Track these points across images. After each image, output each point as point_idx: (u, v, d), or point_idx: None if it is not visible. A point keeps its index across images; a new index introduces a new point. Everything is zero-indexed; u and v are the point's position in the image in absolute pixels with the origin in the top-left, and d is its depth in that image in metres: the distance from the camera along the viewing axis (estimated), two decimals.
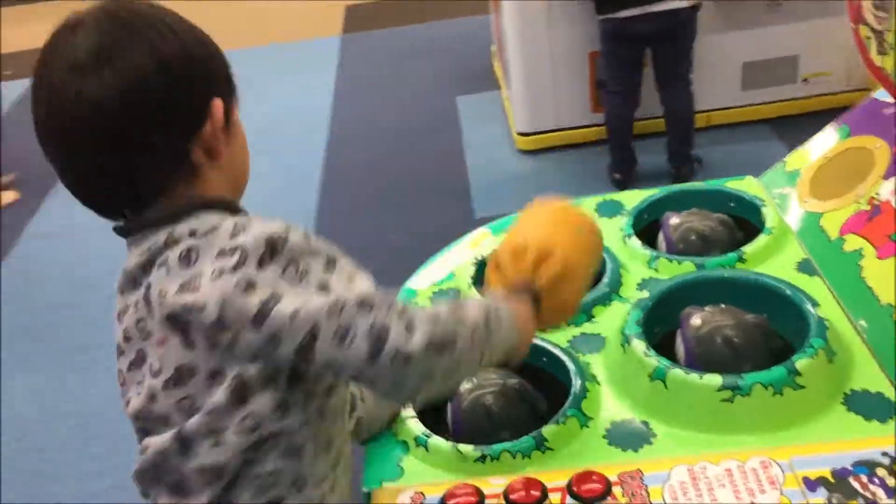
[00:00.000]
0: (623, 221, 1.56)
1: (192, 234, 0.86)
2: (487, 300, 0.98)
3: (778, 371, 1.12)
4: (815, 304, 1.24)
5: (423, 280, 1.52)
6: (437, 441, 1.14)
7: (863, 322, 1.26)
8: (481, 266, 1.50)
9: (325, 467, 0.94)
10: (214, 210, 0.90)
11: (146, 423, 0.90)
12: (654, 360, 1.17)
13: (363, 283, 0.86)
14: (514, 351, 0.98)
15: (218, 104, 0.91)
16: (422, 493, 1.07)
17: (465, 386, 1.21)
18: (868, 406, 1.13)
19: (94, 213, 0.92)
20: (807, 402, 1.12)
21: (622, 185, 3.30)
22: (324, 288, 0.83)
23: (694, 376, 1.14)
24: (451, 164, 3.67)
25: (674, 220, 1.52)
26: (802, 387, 1.12)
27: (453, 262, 1.55)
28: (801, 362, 1.13)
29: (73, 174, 0.89)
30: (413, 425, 1.18)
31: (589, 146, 3.55)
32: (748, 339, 1.20)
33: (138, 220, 0.90)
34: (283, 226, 0.85)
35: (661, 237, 1.53)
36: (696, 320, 1.23)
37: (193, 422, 0.86)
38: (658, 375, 1.16)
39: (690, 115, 3.25)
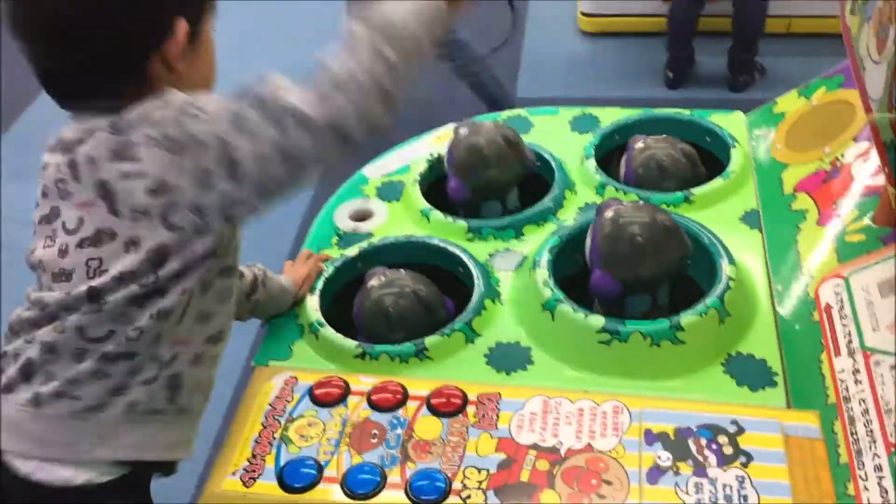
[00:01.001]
0: (588, 140, 1.54)
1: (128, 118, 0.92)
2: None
3: (661, 323, 1.13)
4: (730, 260, 1.22)
5: (377, 170, 1.54)
6: (327, 331, 1.21)
7: (779, 286, 1.24)
8: (435, 163, 1.51)
9: (193, 335, 1.01)
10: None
11: (46, 273, 0.98)
12: (549, 291, 1.19)
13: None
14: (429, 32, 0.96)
15: (182, 25, 0.94)
16: (296, 377, 1.15)
17: (373, 283, 1.26)
18: (746, 372, 1.13)
19: (56, 101, 0.97)
20: (684, 358, 1.14)
21: (674, 85, 3.18)
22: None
23: (580, 314, 1.16)
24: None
25: (639, 144, 1.49)
26: (683, 342, 1.13)
27: (412, 154, 1.57)
28: (686, 319, 1.13)
29: (41, 63, 0.94)
30: (311, 312, 1.24)
31: (652, 37, 3.39)
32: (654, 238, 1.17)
33: (87, 104, 0.95)
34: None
35: (623, 159, 1.51)
36: (609, 213, 1.20)
37: (100, 281, 0.93)
38: (548, 306, 1.18)
39: (761, 17, 3.06)
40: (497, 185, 1.42)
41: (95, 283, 0.93)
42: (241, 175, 0.89)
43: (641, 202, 1.24)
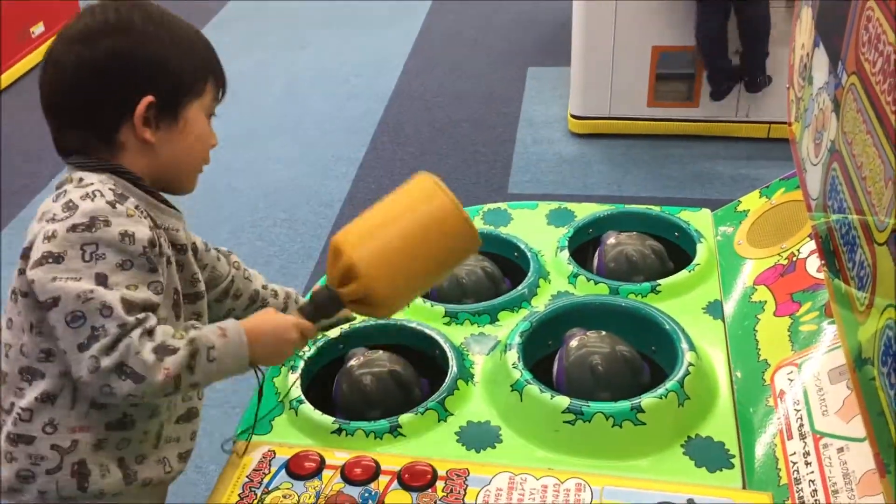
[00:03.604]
0: (563, 233, 1.63)
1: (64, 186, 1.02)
2: (205, 341, 0.99)
3: (622, 405, 1.19)
4: (691, 347, 1.29)
5: None
6: (306, 408, 1.26)
7: (738, 373, 1.31)
8: None
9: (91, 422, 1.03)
10: (107, 173, 1.03)
11: None
12: (518, 373, 1.26)
13: (132, 293, 0.96)
14: (244, 364, 1.03)
15: (144, 101, 1.02)
16: (273, 451, 1.20)
17: (353, 363, 1.33)
18: (704, 453, 1.19)
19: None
20: (645, 439, 1.19)
21: (718, 98, 3.36)
22: (99, 278, 0.95)
23: (545, 395, 1.22)
24: (501, 135, 3.73)
25: (611, 239, 1.58)
26: (643, 423, 1.19)
27: None
28: (647, 401, 1.19)
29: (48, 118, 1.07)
30: (293, 389, 1.30)
31: (640, 139, 3.54)
32: (614, 368, 1.27)
33: (73, 159, 1.06)
34: (109, 212, 0.97)
35: (597, 253, 1.59)
36: (573, 342, 1.30)
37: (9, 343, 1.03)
38: (517, 387, 1.25)
39: (766, 16, 3.19)
40: None
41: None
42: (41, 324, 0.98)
43: (604, 332, 1.33)
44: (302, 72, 4.38)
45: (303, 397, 1.28)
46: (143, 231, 0.98)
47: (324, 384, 1.35)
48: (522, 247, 1.59)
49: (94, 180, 1.01)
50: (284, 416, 1.28)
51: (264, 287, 1.27)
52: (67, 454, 1.01)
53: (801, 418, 1.16)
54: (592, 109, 3.59)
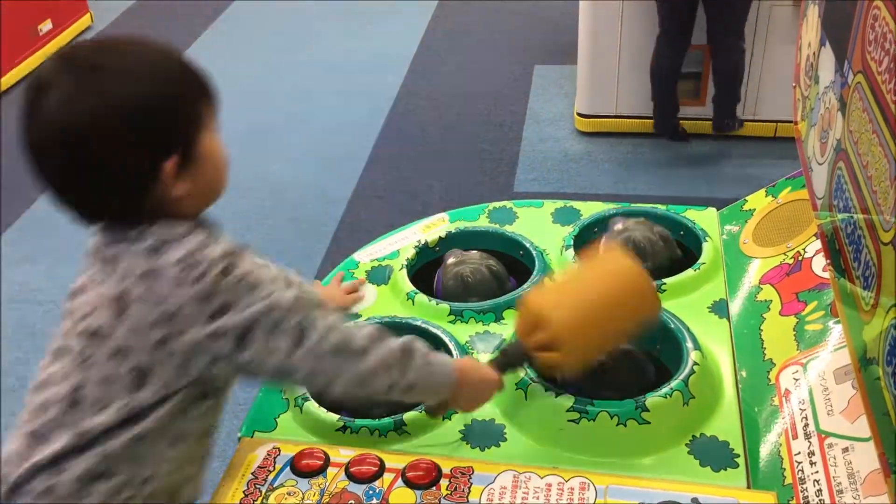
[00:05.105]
0: (568, 231, 1.62)
1: (159, 237, 0.96)
2: (419, 344, 1.08)
3: (627, 404, 1.19)
4: (696, 346, 1.29)
5: (367, 254, 1.63)
6: (310, 405, 1.27)
7: (743, 372, 1.30)
8: (422, 251, 1.60)
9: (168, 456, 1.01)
10: (178, 222, 0.98)
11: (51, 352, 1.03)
12: (522, 371, 1.26)
13: (297, 291, 1.00)
14: (442, 396, 1.12)
15: (170, 165, 0.96)
16: (278, 448, 1.20)
17: None
18: (709, 453, 1.18)
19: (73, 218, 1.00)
20: (649, 437, 1.19)
21: (662, 133, 3.40)
22: (266, 295, 0.96)
23: (550, 393, 1.22)
24: (507, 133, 3.73)
25: (618, 225, 1.57)
26: (648, 422, 1.19)
27: (401, 241, 1.65)
28: (652, 400, 1.19)
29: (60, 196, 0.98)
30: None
31: (646, 137, 3.54)
32: (617, 367, 1.27)
33: (109, 221, 1.00)
34: (236, 245, 0.98)
35: (603, 240, 1.58)
36: None
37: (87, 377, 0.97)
38: (521, 385, 1.25)
39: (739, 61, 3.19)
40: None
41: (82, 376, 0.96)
42: (241, 354, 0.96)
43: None
44: (308, 70, 4.39)
45: (307, 395, 1.28)
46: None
47: None
48: (528, 245, 1.59)
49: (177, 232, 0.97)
50: (289, 414, 1.29)
51: None
52: (142, 486, 1.00)
53: (807, 418, 1.15)
54: (599, 108, 3.59)
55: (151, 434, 0.98)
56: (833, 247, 1.04)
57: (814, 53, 1.28)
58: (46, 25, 4.54)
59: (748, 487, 1.14)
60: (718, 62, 3.20)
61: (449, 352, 1.35)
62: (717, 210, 1.68)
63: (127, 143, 0.93)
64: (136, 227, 0.97)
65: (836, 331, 1.22)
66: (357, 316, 1.48)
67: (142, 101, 0.94)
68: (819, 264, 1.34)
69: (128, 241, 0.97)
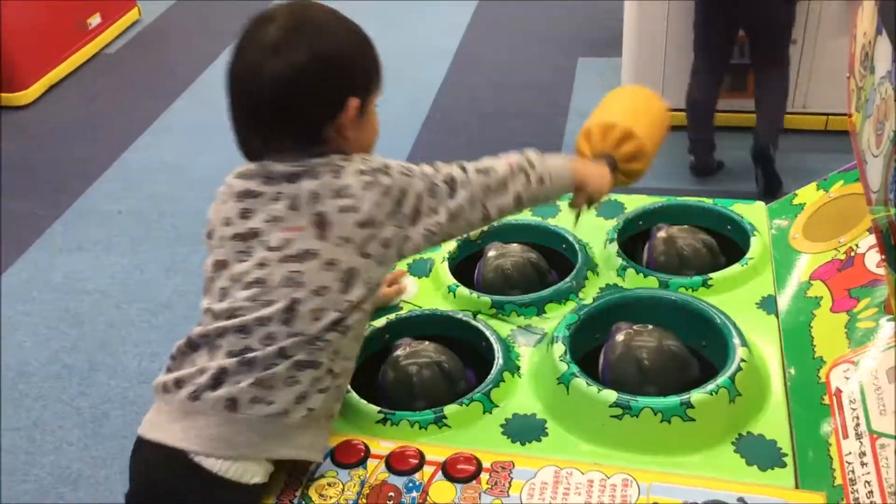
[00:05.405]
0: (612, 225, 1.60)
1: (334, 161, 1.11)
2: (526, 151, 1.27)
3: (671, 400, 1.17)
4: (743, 342, 1.26)
5: None
6: (351, 397, 1.27)
7: (792, 370, 1.27)
8: (464, 244, 1.59)
9: (353, 353, 1.18)
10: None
11: (237, 282, 1.10)
12: (564, 366, 1.24)
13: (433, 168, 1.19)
14: (571, 188, 1.31)
15: (354, 103, 1.12)
16: None
17: (399, 353, 1.32)
18: (755, 451, 1.16)
19: (245, 156, 1.17)
20: (694, 435, 1.17)
21: (699, 172, 3.24)
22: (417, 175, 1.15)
23: (593, 388, 1.20)
24: (550, 126, 3.70)
25: (661, 233, 1.55)
26: (693, 419, 1.16)
27: None
28: (697, 397, 1.17)
29: (242, 127, 1.15)
30: None
31: (680, 130, 3.48)
32: (660, 363, 1.24)
33: (280, 154, 1.13)
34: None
35: (647, 246, 1.56)
36: (619, 336, 1.28)
37: (299, 293, 1.07)
38: (563, 380, 1.23)
39: (782, 96, 3.12)
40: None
41: (295, 294, 1.07)
42: (420, 227, 1.13)
43: (651, 327, 1.30)
44: None
45: (349, 386, 1.28)
46: None
47: (370, 374, 1.35)
48: (570, 238, 1.57)
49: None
50: None
51: None
52: (335, 378, 1.13)
53: (858, 417, 1.12)
54: None
55: (351, 331, 1.12)
56: (888, 242, 1.01)
57: (869, 42, 1.24)
58: (95, 19, 4.62)
59: (796, 488, 1.11)
60: (762, 84, 3.12)
61: (490, 347, 1.34)
62: (766, 204, 1.65)
63: (328, 75, 1.10)
64: (315, 156, 1.11)
65: (890, 328, 1.19)
66: (399, 307, 1.47)
67: (345, 45, 1.13)
68: (873, 260, 1.30)
69: (307, 170, 1.10)
